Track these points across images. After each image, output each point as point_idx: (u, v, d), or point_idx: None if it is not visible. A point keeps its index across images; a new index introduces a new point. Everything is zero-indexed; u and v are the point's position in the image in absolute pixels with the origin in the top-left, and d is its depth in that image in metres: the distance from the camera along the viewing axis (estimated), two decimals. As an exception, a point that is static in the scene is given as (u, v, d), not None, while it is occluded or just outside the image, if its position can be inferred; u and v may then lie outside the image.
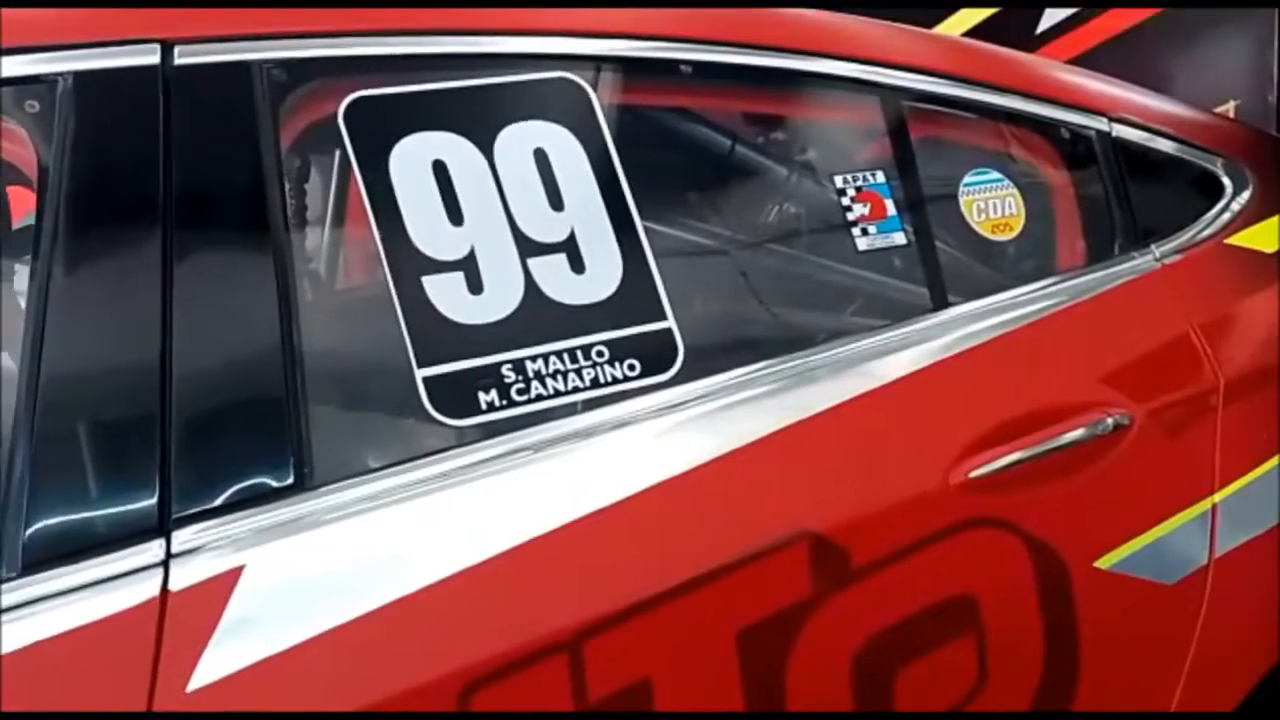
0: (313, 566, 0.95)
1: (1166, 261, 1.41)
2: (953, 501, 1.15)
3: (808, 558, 1.08)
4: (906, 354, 1.21)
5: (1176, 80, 3.05)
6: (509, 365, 1.08)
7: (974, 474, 1.15)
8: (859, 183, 1.30)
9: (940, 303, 1.28)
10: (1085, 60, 3.27)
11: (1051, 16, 3.91)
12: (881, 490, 1.13)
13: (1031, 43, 3.46)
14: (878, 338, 1.22)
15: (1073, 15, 3.90)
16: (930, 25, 3.56)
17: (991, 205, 1.37)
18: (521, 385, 1.07)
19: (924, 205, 1.31)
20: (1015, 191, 1.39)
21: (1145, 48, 3.60)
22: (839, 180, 1.29)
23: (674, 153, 1.32)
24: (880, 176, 1.31)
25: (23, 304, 1.04)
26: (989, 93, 1.40)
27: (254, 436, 0.97)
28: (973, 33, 3.79)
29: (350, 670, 0.92)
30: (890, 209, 1.30)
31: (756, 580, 1.06)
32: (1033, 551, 1.19)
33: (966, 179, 1.37)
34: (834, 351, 1.20)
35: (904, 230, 1.30)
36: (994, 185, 1.38)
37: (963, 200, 1.36)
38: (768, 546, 1.07)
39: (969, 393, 1.22)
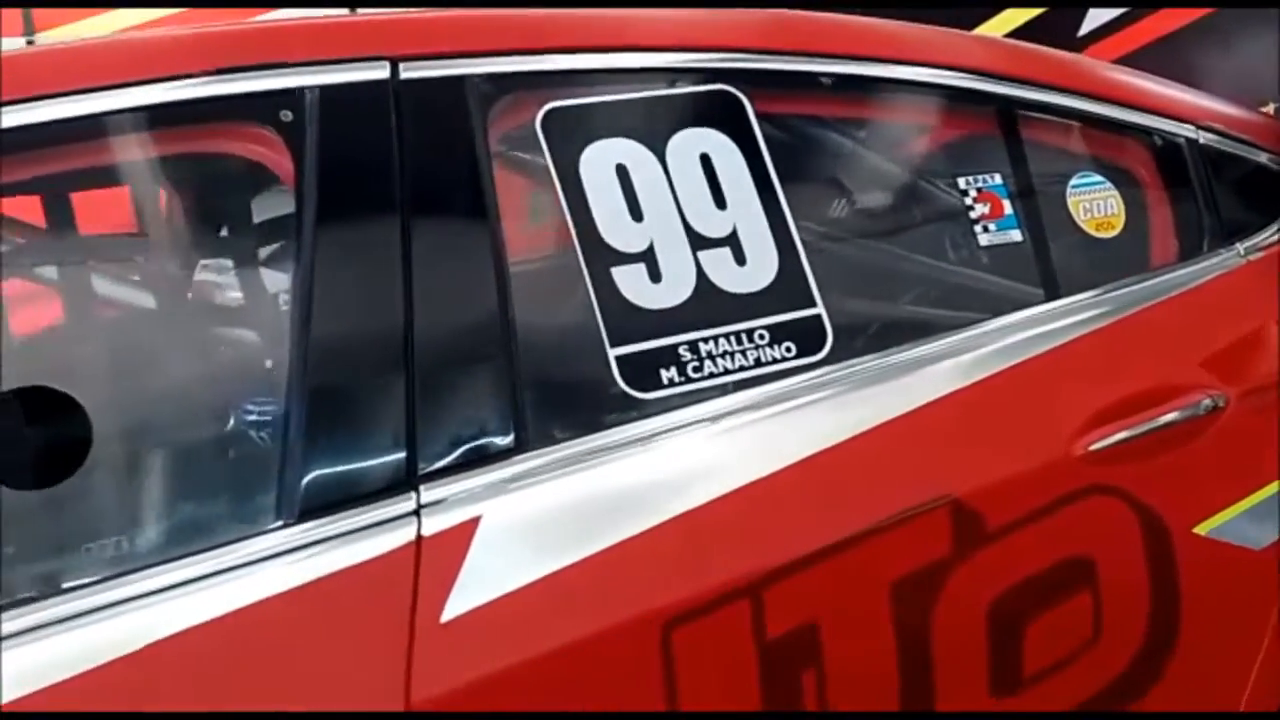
0: (535, 518, 1.09)
1: (1251, 258, 1.53)
2: (1074, 471, 1.29)
3: (949, 520, 1.22)
4: (1028, 338, 1.34)
5: (1215, 82, 3.17)
6: (685, 346, 1.21)
7: (1093, 447, 1.29)
8: (979, 184, 1.44)
9: (1053, 294, 1.41)
10: (1126, 63, 3.38)
11: (1093, 20, 4.03)
12: (1013, 460, 1.26)
13: (1073, 45, 3.58)
14: (1001, 323, 1.35)
15: (1114, 20, 4.02)
16: (973, 25, 3.68)
17: (1096, 205, 1.50)
18: (696, 364, 1.21)
19: (1036, 205, 1.45)
20: (1116, 193, 1.52)
21: (1184, 51, 3.72)
22: (962, 182, 1.43)
23: (816, 156, 1.45)
24: (998, 178, 1.45)
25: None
26: (1090, 102, 1.53)
27: (482, 402, 1.12)
28: (1015, 35, 3.91)
29: (571, 607, 1.07)
30: (1007, 208, 1.44)
31: (906, 538, 1.20)
32: (1142, 518, 1.33)
33: (1073, 181, 1.50)
34: (963, 336, 1.33)
35: (1020, 228, 1.43)
36: (1097, 187, 1.51)
37: (1070, 200, 1.49)
38: (915, 509, 1.20)
39: (1086, 374, 1.35)
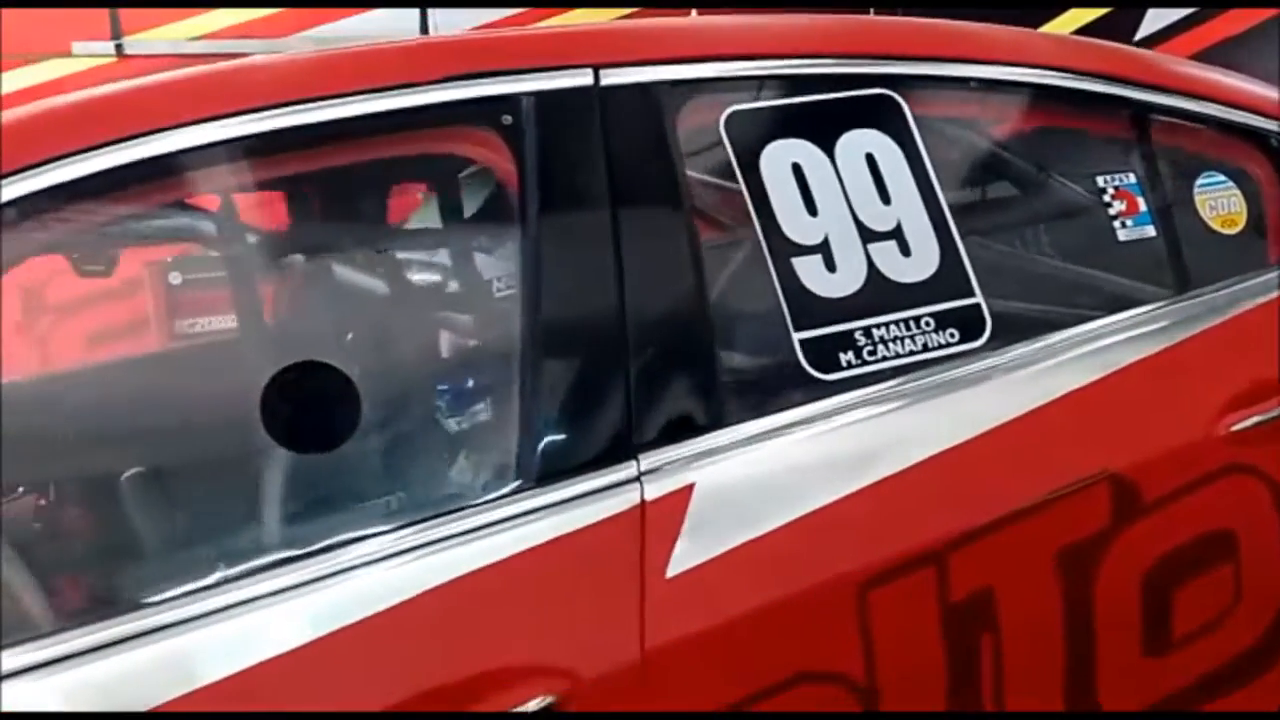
0: (739, 486, 1.19)
1: (1362, 254, 1.62)
2: (1217, 450, 1.38)
3: (1109, 493, 1.31)
4: (1167, 326, 1.43)
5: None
6: (860, 331, 1.31)
7: (1234, 428, 1.38)
8: (1116, 182, 1.53)
9: (1185, 285, 1.50)
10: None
11: (1150, 25, 4.11)
12: (1163, 438, 1.36)
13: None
14: (1141, 312, 1.44)
15: (1172, 25, 4.11)
16: (1036, 26, 3.76)
17: (1220, 203, 1.59)
18: (871, 348, 1.30)
19: (1167, 202, 1.54)
20: (1237, 191, 1.61)
21: (1242, 55, 3.80)
22: (1100, 180, 1.52)
23: (967, 155, 1.54)
24: (1132, 177, 1.54)
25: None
26: (1214, 106, 1.62)
27: (686, 380, 1.22)
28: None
29: (777, 567, 1.16)
30: (1142, 205, 1.53)
31: (1071, 510, 1.29)
32: (1275, 495, 1.41)
33: (1199, 181, 1.58)
34: (1107, 323, 1.42)
35: (1153, 224, 1.52)
36: (1221, 186, 1.60)
37: (1197, 198, 1.58)
38: (1079, 482, 1.30)
39: (1221, 361, 1.44)
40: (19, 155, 1.07)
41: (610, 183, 1.23)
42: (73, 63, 3.53)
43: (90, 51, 3.55)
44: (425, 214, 1.47)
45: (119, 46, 3.59)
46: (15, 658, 0.96)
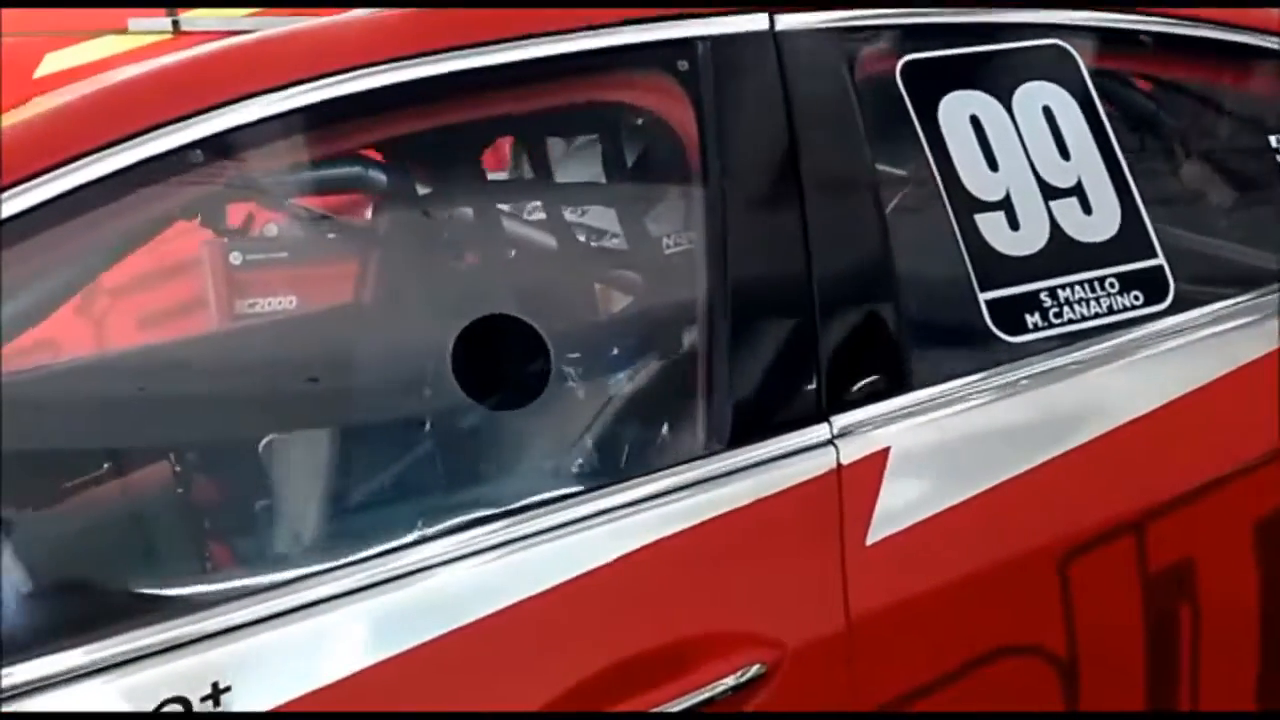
0: (934, 451, 1.13)
1: None
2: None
3: (1308, 460, 1.25)
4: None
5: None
6: (1045, 292, 1.24)
7: None
8: (1289, 141, 1.46)
9: None
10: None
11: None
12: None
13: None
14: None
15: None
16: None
17: (1394, 165, 1.52)
18: (1056, 310, 1.24)
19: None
20: None
21: None
22: (1273, 140, 1.45)
23: (1141, 110, 1.48)
24: (1305, 137, 1.47)
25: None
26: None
27: (874, 339, 1.16)
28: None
29: (977, 536, 1.11)
30: (1316, 165, 1.46)
31: (1267, 480, 1.23)
32: None
33: (1375, 141, 1.51)
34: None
35: (1327, 185, 1.46)
36: (1394, 147, 1.53)
37: (1370, 159, 1.51)
38: (1274, 451, 1.24)
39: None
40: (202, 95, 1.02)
41: (790, 133, 1.17)
42: (129, 39, 3.52)
43: (146, 28, 3.53)
44: (584, 166, 1.41)
45: (175, 23, 3.57)
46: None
